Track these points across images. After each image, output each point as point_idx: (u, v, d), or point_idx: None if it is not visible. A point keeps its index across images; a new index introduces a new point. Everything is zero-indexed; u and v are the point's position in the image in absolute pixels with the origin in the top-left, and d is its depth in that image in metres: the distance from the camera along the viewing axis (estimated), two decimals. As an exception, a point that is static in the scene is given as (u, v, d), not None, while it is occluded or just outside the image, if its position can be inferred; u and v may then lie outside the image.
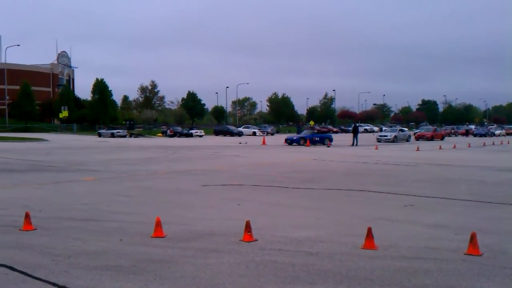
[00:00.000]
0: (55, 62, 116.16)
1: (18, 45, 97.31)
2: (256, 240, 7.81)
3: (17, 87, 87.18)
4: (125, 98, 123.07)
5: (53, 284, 5.73)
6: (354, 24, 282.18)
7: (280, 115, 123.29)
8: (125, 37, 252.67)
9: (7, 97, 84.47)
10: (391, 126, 76.36)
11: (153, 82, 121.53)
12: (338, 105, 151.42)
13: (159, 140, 58.99)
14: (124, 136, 66.76)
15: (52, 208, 10.96)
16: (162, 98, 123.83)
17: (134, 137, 68.46)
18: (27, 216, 8.76)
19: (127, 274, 6.14)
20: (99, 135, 68.08)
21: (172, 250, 7.32)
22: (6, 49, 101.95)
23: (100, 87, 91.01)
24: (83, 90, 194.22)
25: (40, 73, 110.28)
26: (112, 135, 65.86)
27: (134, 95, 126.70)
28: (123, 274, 6.16)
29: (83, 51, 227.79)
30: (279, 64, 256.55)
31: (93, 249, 7.34)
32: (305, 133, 47.71)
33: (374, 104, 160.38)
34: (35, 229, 8.58)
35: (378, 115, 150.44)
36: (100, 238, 8.09)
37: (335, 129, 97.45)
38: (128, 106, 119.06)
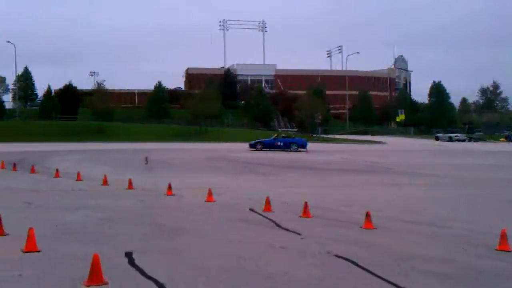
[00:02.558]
0: (392, 67, 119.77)
1: (358, 53, 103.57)
2: None
3: (356, 92, 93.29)
4: (464, 100, 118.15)
5: (392, 284, 5.70)
6: None
7: None
8: (461, 37, 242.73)
9: (348, 102, 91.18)
10: None
11: (495, 83, 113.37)
12: None
13: (502, 146, 54.56)
14: (463, 141, 64.04)
15: (391, 209, 11.14)
16: (505, 99, 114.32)
17: (473, 141, 65.08)
18: (367, 215, 9.06)
19: (469, 286, 5.69)
20: (436, 138, 67.04)
21: (522, 268, 6.50)
22: (347, 57, 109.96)
23: (437, 90, 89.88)
24: (419, 93, 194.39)
25: (377, 78, 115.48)
26: (450, 139, 63.95)
27: (473, 97, 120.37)
28: (466, 286, 5.73)
29: (419, 54, 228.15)
30: None
31: (433, 255, 7.08)
32: (271, 137, 40.08)
33: None
34: (375, 229, 8.80)
35: None
36: (440, 244, 7.78)
37: None
38: (466, 109, 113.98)
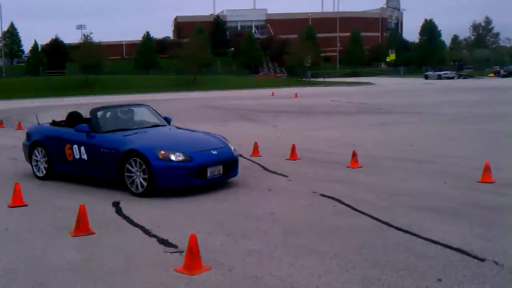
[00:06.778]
0: (384, 6, 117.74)
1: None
2: None
3: (347, 34, 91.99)
4: (455, 37, 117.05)
5: (376, 219, 5.85)
6: None
7: None
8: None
9: (339, 45, 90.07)
10: None
11: (487, 18, 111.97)
12: None
13: (491, 81, 54.63)
14: (452, 78, 64.10)
15: (377, 148, 11.27)
16: (497, 35, 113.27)
17: (462, 78, 65.14)
18: (354, 154, 9.18)
19: (450, 217, 5.85)
20: (426, 77, 67.02)
21: (501, 197, 6.68)
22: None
23: (428, 28, 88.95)
24: (411, 32, 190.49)
25: (368, 18, 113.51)
26: (439, 77, 63.95)
27: (465, 33, 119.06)
28: (446, 216, 5.89)
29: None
30: None
31: (416, 190, 7.24)
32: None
33: None
34: (361, 167, 8.94)
35: None
36: (423, 179, 7.94)
37: None
38: (457, 46, 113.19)
